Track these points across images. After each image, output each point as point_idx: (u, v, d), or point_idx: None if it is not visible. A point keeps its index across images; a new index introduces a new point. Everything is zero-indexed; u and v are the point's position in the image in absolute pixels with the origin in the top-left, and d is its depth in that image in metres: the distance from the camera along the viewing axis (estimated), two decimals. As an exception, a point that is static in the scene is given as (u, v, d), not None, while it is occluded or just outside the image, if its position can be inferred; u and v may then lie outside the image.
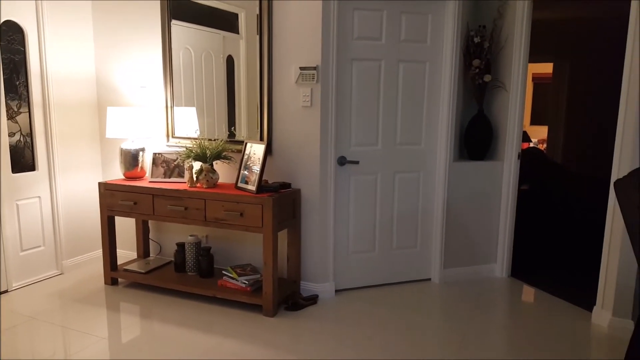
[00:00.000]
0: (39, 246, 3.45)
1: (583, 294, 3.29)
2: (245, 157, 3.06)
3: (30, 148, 3.38)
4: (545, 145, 7.10)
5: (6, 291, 3.24)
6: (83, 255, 3.77)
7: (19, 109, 3.29)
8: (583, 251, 4.30)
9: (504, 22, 3.44)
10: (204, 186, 3.08)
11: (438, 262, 3.50)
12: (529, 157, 4.96)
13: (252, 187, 2.93)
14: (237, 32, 3.23)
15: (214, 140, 3.19)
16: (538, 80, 8.68)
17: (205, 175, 3.06)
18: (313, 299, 3.14)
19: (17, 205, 3.28)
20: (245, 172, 3.02)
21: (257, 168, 2.92)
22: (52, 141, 3.45)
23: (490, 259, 3.66)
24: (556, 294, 3.35)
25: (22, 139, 3.33)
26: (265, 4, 3.05)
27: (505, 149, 3.52)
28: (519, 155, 3.52)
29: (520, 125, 3.48)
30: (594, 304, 2.95)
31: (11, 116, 3.25)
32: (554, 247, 4.46)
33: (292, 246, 3.17)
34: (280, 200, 2.91)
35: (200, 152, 3.04)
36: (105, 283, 3.40)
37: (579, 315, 3.01)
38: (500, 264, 3.65)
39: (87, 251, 3.80)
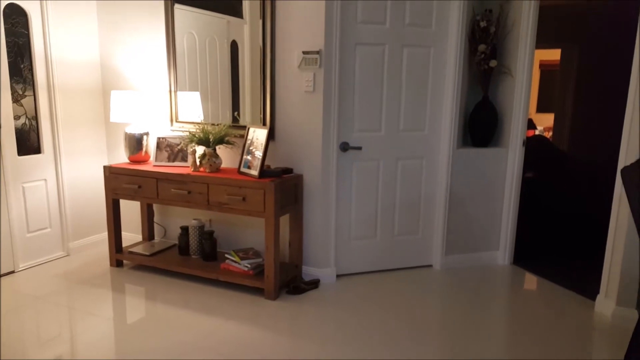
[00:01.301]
0: (46, 228, 3.50)
1: (587, 283, 3.29)
2: (248, 142, 3.06)
3: (36, 131, 3.41)
4: (551, 133, 7.03)
5: (13, 272, 3.30)
6: (89, 238, 3.82)
7: (24, 92, 3.31)
8: (587, 239, 4.28)
9: (510, 6, 3.39)
10: (207, 170, 3.10)
11: (440, 248, 3.51)
12: (534, 145, 4.93)
13: (254, 172, 2.94)
14: (242, 17, 3.21)
15: (217, 125, 3.20)
16: (545, 67, 8.56)
17: (208, 159, 3.08)
18: (314, 284, 3.17)
19: (23, 187, 3.32)
20: (248, 157, 3.03)
21: (259, 153, 2.92)
22: (57, 124, 3.48)
23: (493, 246, 3.66)
24: (559, 282, 3.35)
25: (27, 122, 3.36)
26: (268, -13, 3.03)
27: (510, 136, 3.49)
28: (523, 143, 3.49)
29: (525, 112, 3.45)
30: (598, 292, 2.95)
31: (16, 99, 3.27)
32: (558, 235, 4.45)
33: (294, 231, 3.19)
34: (283, 185, 2.92)
35: (203, 136, 3.05)
36: (111, 265, 3.45)
37: (582, 304, 3.01)
38: (502, 252, 3.65)
39: (93, 233, 3.85)
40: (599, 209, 4.15)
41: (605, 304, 2.87)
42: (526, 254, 3.86)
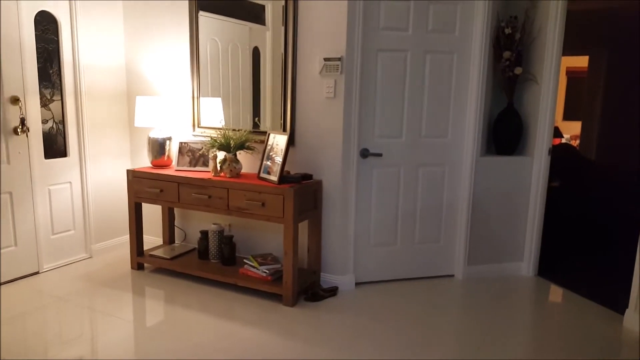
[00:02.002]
0: (70, 230, 3.57)
1: (615, 296, 3.18)
2: (268, 147, 3.07)
3: (62, 135, 3.49)
4: (578, 142, 6.86)
5: (37, 272, 3.37)
6: (111, 240, 3.87)
7: (52, 97, 3.40)
8: (616, 251, 4.14)
9: (536, 13, 3.33)
10: (227, 175, 3.12)
11: (462, 258, 3.44)
12: (560, 153, 4.81)
13: (274, 178, 2.94)
14: (264, 24, 3.24)
15: (238, 130, 3.22)
16: (572, 75, 8.38)
17: (229, 165, 3.09)
18: (333, 291, 3.14)
19: (49, 190, 3.40)
20: (268, 163, 3.04)
21: (279, 159, 2.93)
22: (83, 128, 3.55)
23: (517, 257, 3.57)
24: (586, 295, 3.24)
25: (54, 126, 3.44)
26: (291, -6, 3.04)
27: (536, 144, 3.41)
28: (549, 151, 3.41)
29: (551, 120, 3.37)
30: (627, 306, 2.85)
31: (45, 104, 3.35)
32: (585, 246, 4.32)
33: (312, 237, 3.18)
34: (302, 191, 2.91)
35: (224, 142, 3.07)
36: (132, 268, 3.50)
37: (609, 318, 2.90)
38: (527, 263, 3.56)
39: (115, 236, 3.91)
40: (629, 220, 4.01)
41: (635, 318, 2.76)
42: (552, 265, 3.75)
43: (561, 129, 7.83)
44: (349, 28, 2.94)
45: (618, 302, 3.06)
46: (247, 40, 3.32)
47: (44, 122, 3.36)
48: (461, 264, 3.45)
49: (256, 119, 3.36)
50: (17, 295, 3.02)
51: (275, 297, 3.04)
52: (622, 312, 2.89)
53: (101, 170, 3.74)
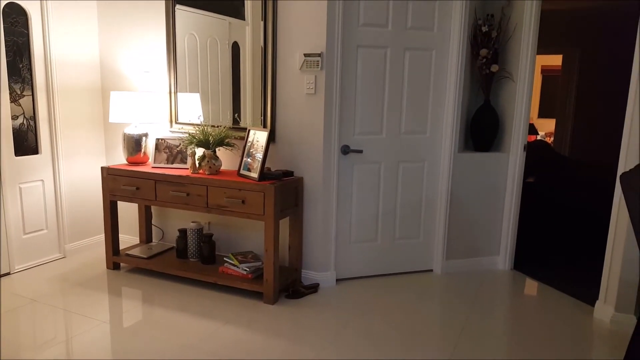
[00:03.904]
0: (42, 229, 3.46)
1: (586, 289, 3.27)
2: (248, 144, 3.04)
3: (34, 131, 3.38)
4: (552, 139, 7.03)
5: (8, 273, 3.26)
6: (86, 240, 3.78)
7: (22, 92, 3.28)
8: (587, 245, 4.26)
9: (512, 11, 3.38)
10: (207, 173, 3.07)
11: (440, 253, 3.48)
12: (535, 150, 4.91)
13: (254, 175, 2.91)
14: (243, 19, 3.19)
15: (218, 126, 3.17)
16: (547, 73, 8.57)
17: (208, 161, 3.05)
18: (314, 288, 3.13)
19: (20, 188, 3.29)
20: (248, 160, 3.01)
21: (259, 155, 2.90)
22: (55, 125, 3.45)
23: (493, 252, 3.64)
24: (559, 287, 3.33)
25: (25, 122, 3.33)
26: (270, -11, 3.01)
27: (512, 141, 3.47)
28: (525, 147, 3.48)
29: (527, 117, 3.44)
30: (597, 298, 2.93)
31: (14, 99, 3.24)
32: (558, 240, 4.43)
33: (293, 234, 3.16)
34: (283, 188, 2.89)
35: (203, 138, 3.03)
36: (108, 267, 3.42)
37: (581, 310, 2.99)
38: (503, 257, 3.63)
39: (90, 235, 3.82)
40: (600, 214, 4.13)
41: (604, 310, 2.85)
42: (527, 259, 3.84)
43: (536, 126, 8.01)
44: (328, 24, 2.93)
45: (589, 295, 3.15)
46: (226, 35, 3.27)
47: (14, 118, 3.25)
48: (440, 259, 3.49)
49: (236, 115, 3.32)
50: (-13, 297, 2.92)
51: (256, 295, 3.02)
52: (593, 304, 2.98)
53: (75, 167, 3.63)
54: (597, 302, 2.91)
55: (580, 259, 3.92)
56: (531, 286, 3.37)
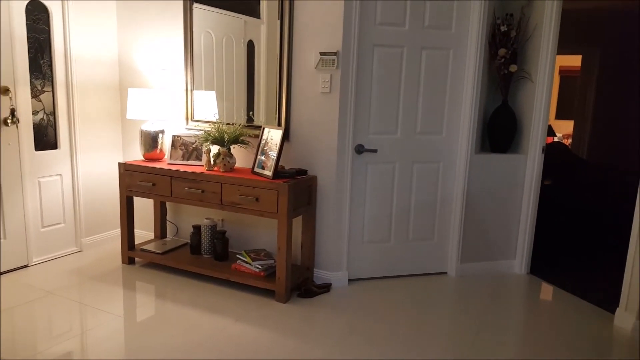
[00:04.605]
0: (60, 223, 3.52)
1: (606, 295, 3.20)
2: (263, 142, 3.04)
3: (53, 126, 3.44)
4: (570, 140, 6.91)
5: (26, 266, 3.32)
6: (102, 234, 3.83)
7: (42, 87, 3.34)
8: (607, 250, 4.17)
9: (532, 11, 3.33)
10: (221, 170, 3.09)
11: (455, 255, 3.44)
12: (553, 152, 4.83)
13: (268, 173, 2.92)
14: (259, 17, 3.20)
15: (232, 124, 3.19)
16: (565, 73, 8.43)
17: (223, 159, 3.06)
18: (326, 287, 3.13)
19: (39, 182, 3.35)
20: (262, 158, 3.01)
21: (274, 153, 2.90)
22: (74, 120, 3.50)
23: (509, 255, 3.59)
24: (577, 293, 3.25)
25: (45, 117, 3.38)
26: (287, -13, 3.01)
27: (529, 142, 3.42)
28: (543, 149, 3.42)
29: (545, 118, 3.38)
30: (617, 305, 2.86)
31: (35, 95, 3.30)
32: (577, 245, 4.34)
33: (306, 233, 3.16)
34: (296, 187, 2.89)
35: (218, 136, 3.04)
36: (123, 262, 3.46)
37: (600, 317, 2.91)
38: (519, 260, 3.57)
39: (106, 230, 3.87)
40: (620, 219, 4.04)
41: (625, 317, 2.78)
42: (544, 263, 3.77)
43: (554, 127, 7.88)
44: (345, 22, 2.92)
45: (609, 301, 3.08)
46: (242, 33, 3.28)
47: (35, 113, 3.30)
48: (454, 262, 3.45)
49: (250, 113, 3.33)
50: (5, 289, 2.97)
51: (268, 293, 3.02)
52: (613, 311, 2.91)
53: (92, 162, 3.69)
54: (618, 309, 2.84)
55: (599, 264, 3.84)
56: (548, 291, 3.31)
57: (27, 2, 3.15)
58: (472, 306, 2.99)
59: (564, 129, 8.37)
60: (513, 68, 3.30)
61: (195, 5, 3.37)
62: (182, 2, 3.42)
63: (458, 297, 3.13)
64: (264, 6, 3.17)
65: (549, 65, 3.30)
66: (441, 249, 3.48)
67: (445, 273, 3.51)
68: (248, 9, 3.23)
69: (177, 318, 2.68)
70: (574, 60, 6.59)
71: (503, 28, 3.27)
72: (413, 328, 2.68)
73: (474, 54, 3.19)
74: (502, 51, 3.28)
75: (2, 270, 3.18)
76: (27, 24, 3.16)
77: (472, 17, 3.17)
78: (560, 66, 8.28)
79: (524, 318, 2.87)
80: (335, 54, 2.95)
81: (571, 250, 4.19)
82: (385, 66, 3.10)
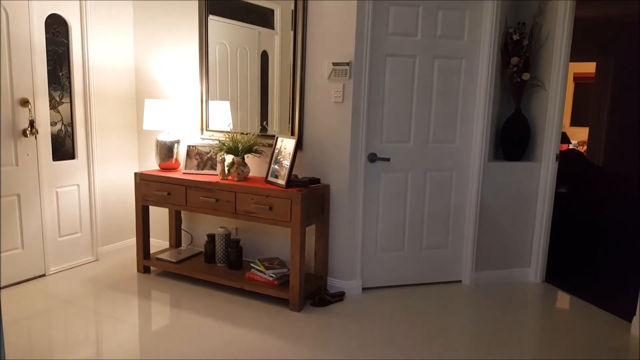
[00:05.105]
0: (77, 232, 3.57)
1: (622, 303, 3.15)
2: (276, 151, 3.07)
3: (71, 137, 3.50)
4: (585, 147, 6.84)
5: (44, 275, 3.37)
6: (117, 243, 3.88)
7: (61, 99, 3.41)
8: (623, 257, 4.11)
9: (544, 19, 3.32)
10: (235, 179, 3.12)
11: (469, 264, 3.42)
12: (567, 159, 4.79)
13: (281, 182, 2.94)
14: (273, 28, 3.25)
15: (246, 134, 3.22)
16: (579, 80, 8.37)
17: (237, 168, 3.09)
18: (340, 296, 3.13)
19: (57, 192, 3.41)
20: (276, 167, 3.04)
21: (287, 162, 2.93)
22: (91, 131, 3.57)
23: (524, 263, 3.55)
24: (593, 301, 3.21)
25: (63, 128, 3.45)
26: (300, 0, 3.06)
27: (543, 150, 3.40)
28: (557, 157, 3.40)
29: (559, 126, 3.36)
30: (634, 313, 2.82)
31: (54, 106, 3.37)
32: (592, 252, 4.29)
33: (319, 241, 3.17)
34: (309, 195, 2.91)
35: (232, 145, 3.07)
36: (138, 271, 3.49)
37: (617, 325, 2.88)
38: (534, 269, 3.54)
39: (122, 239, 3.91)
40: (636, 227, 3.99)
41: (644, 326, 2.74)
42: (559, 271, 3.73)
43: (569, 134, 7.81)
44: (357, 33, 2.95)
45: (626, 309, 3.03)
46: (256, 44, 3.32)
47: (53, 124, 3.37)
48: (469, 270, 3.43)
49: (264, 122, 3.36)
50: (23, 297, 3.02)
51: (282, 302, 3.03)
52: (630, 320, 2.87)
53: (109, 172, 3.74)
54: (635, 317, 2.80)
55: (615, 272, 3.78)
56: (564, 300, 3.27)
57: (46, 15, 3.23)
58: (488, 315, 2.96)
59: (580, 135, 8.29)
60: (526, 76, 3.30)
61: (211, 17, 3.43)
62: (197, 13, 3.48)
63: (473, 305, 3.10)
64: (277, 17, 3.21)
65: (561, 73, 3.29)
66: (455, 257, 3.46)
67: (460, 281, 3.49)
68: (262, 20, 3.28)
69: (192, 327, 2.70)
70: (589, 67, 6.55)
71: (515, 37, 3.27)
72: (428, 337, 2.66)
73: (486, 63, 3.19)
74: (514, 60, 3.28)
75: (20, 279, 3.23)
76: (46, 37, 3.24)
77: (484, 26, 3.18)
78: (575, 73, 8.23)
79: (540, 327, 2.84)
80: (347, 64, 2.97)
81: (587, 258, 4.14)
82: (398, 76, 3.12)
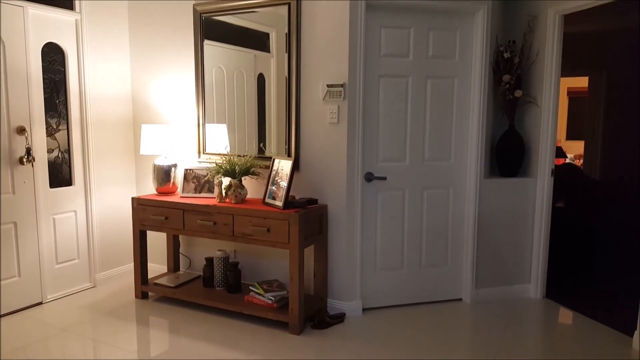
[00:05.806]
0: (74, 259, 3.55)
1: (623, 318, 3.13)
2: (273, 173, 3.08)
3: (68, 164, 3.51)
4: (581, 161, 6.87)
5: (40, 303, 3.34)
6: (115, 269, 3.85)
7: (57, 126, 3.43)
8: (623, 272, 4.10)
9: (534, 37, 3.38)
10: (233, 201, 3.12)
11: (469, 281, 3.41)
12: (564, 173, 4.81)
13: (279, 203, 2.94)
14: (269, 51, 3.29)
15: (244, 156, 3.23)
16: (573, 95, 8.46)
17: (234, 190, 3.10)
18: (340, 317, 3.10)
19: (54, 219, 3.40)
20: (273, 188, 3.04)
21: (284, 184, 2.93)
22: (88, 157, 3.57)
23: (524, 279, 3.54)
24: (594, 316, 3.19)
25: (60, 155, 3.46)
26: (293, 23, 3.10)
27: (539, 165, 3.42)
28: (552, 172, 3.41)
29: (553, 141, 3.39)
30: (635, 328, 2.80)
31: (50, 133, 3.38)
32: (592, 267, 4.27)
33: (318, 262, 3.16)
34: (307, 216, 2.91)
35: (229, 168, 3.09)
36: (136, 297, 3.46)
37: (618, 340, 2.85)
38: (534, 285, 3.52)
39: (119, 265, 3.89)
40: (635, 240, 3.98)
41: (646, 341, 2.72)
42: (559, 286, 3.71)
43: (565, 148, 7.86)
44: (350, 55, 2.99)
45: (626, 324, 3.01)
46: (252, 67, 3.36)
47: (50, 151, 3.38)
48: (469, 288, 3.41)
49: (261, 144, 3.38)
50: (20, 326, 2.98)
51: (282, 325, 3.00)
52: (631, 334, 2.85)
53: (106, 198, 3.74)
54: (636, 332, 2.77)
55: (615, 286, 3.77)
56: (565, 315, 3.24)
57: (43, 44, 3.27)
58: (489, 333, 2.94)
59: (575, 149, 8.34)
60: (518, 93, 3.34)
61: (207, 42, 3.48)
62: (192, 39, 3.53)
63: (474, 325, 3.08)
64: (273, 41, 3.26)
65: (553, 89, 3.33)
66: (455, 274, 3.44)
67: (460, 299, 3.46)
68: (258, 44, 3.32)
69: (191, 353, 2.67)
70: (582, 81, 6.63)
71: (506, 55, 3.32)
72: (431, 358, 2.63)
73: (478, 81, 3.23)
74: (506, 77, 3.32)
75: (17, 308, 3.20)
76: (43, 65, 3.28)
77: (474, 45, 3.23)
78: (569, 88, 8.31)
79: (541, 343, 2.82)
80: (341, 85, 3.01)
81: (587, 272, 4.12)
82: (392, 96, 3.15)
